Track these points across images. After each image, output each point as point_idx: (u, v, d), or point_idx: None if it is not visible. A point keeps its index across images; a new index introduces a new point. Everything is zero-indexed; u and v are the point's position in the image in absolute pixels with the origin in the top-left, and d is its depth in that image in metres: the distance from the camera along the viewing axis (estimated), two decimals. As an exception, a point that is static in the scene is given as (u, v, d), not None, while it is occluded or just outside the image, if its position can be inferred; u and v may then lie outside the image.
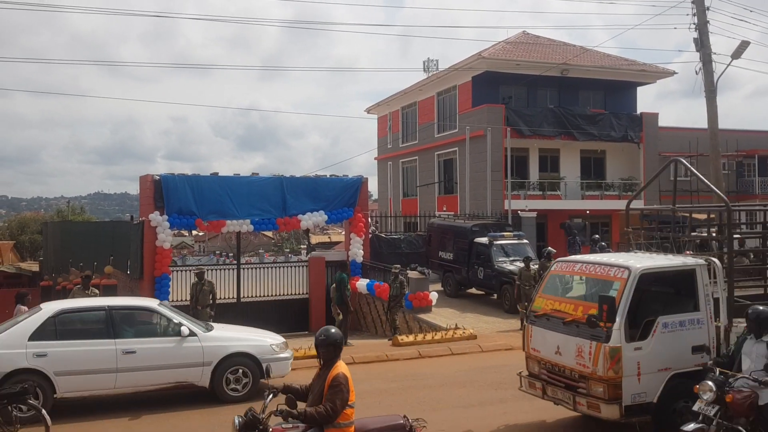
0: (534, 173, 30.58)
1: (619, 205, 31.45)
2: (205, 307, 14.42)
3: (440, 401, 9.60)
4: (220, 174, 18.03)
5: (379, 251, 21.79)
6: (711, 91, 18.82)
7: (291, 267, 19.71)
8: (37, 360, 9.01)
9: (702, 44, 18.73)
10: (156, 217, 16.58)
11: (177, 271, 17.78)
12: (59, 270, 19.72)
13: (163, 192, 16.72)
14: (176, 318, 10.05)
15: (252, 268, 19.40)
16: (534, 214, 27.21)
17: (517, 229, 22.21)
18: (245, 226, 17.74)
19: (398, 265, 16.62)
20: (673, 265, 7.93)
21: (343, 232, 22.45)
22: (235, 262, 19.70)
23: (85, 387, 9.46)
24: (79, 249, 19.99)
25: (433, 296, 17.19)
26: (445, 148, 32.79)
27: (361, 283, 18.27)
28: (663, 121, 33.19)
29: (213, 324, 11.09)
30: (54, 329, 9.32)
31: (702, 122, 19.75)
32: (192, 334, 9.83)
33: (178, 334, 9.76)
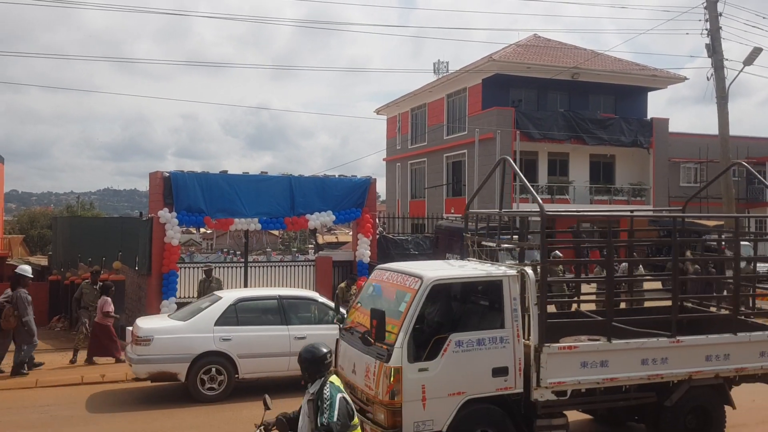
0: (543, 177, 30.56)
1: (628, 210, 31.40)
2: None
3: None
4: (229, 172, 18.08)
5: (386, 252, 21.76)
6: (722, 98, 18.75)
7: (298, 266, 19.73)
8: (223, 343, 9.91)
9: (714, 50, 18.66)
10: (165, 214, 16.62)
11: (185, 268, 17.82)
12: (68, 265, 19.79)
13: (173, 189, 16.75)
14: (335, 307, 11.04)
15: (259, 267, 19.44)
16: (542, 218, 27.15)
17: (525, 232, 22.17)
18: (253, 224, 17.75)
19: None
20: (475, 276, 7.03)
21: (351, 233, 22.44)
22: (242, 260, 19.73)
23: (263, 369, 10.30)
24: (88, 244, 20.05)
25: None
26: (453, 150, 32.79)
27: (368, 284, 18.29)
28: (675, 127, 33.30)
29: None
30: (235, 316, 10.18)
31: (714, 128, 19.69)
32: None
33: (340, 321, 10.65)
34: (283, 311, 10.45)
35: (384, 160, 41.78)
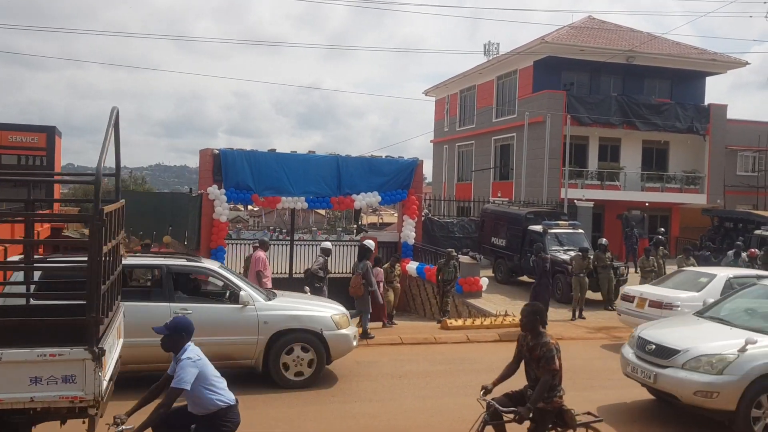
0: (593, 162, 29.94)
1: (681, 198, 30.60)
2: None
3: (487, 387, 9.53)
4: (277, 151, 18.27)
5: (431, 234, 21.74)
6: (786, 84, 18.01)
7: (343, 246, 19.87)
8: None
9: (779, 34, 17.90)
10: (214, 191, 16.93)
11: (232, 244, 18.16)
12: (120, 238, 20.41)
13: (222, 166, 17.05)
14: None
15: (305, 245, 19.67)
16: (591, 204, 26.67)
17: (573, 218, 21.82)
18: (300, 203, 17.94)
19: (451, 249, 16.58)
20: None
21: (396, 214, 22.48)
22: (288, 238, 19.97)
23: None
24: (140, 218, 20.58)
25: (484, 282, 17.10)
26: (502, 134, 32.38)
27: (411, 266, 18.31)
28: (739, 114, 32.11)
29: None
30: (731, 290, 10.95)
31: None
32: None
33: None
34: None
35: (431, 141, 41.55)
